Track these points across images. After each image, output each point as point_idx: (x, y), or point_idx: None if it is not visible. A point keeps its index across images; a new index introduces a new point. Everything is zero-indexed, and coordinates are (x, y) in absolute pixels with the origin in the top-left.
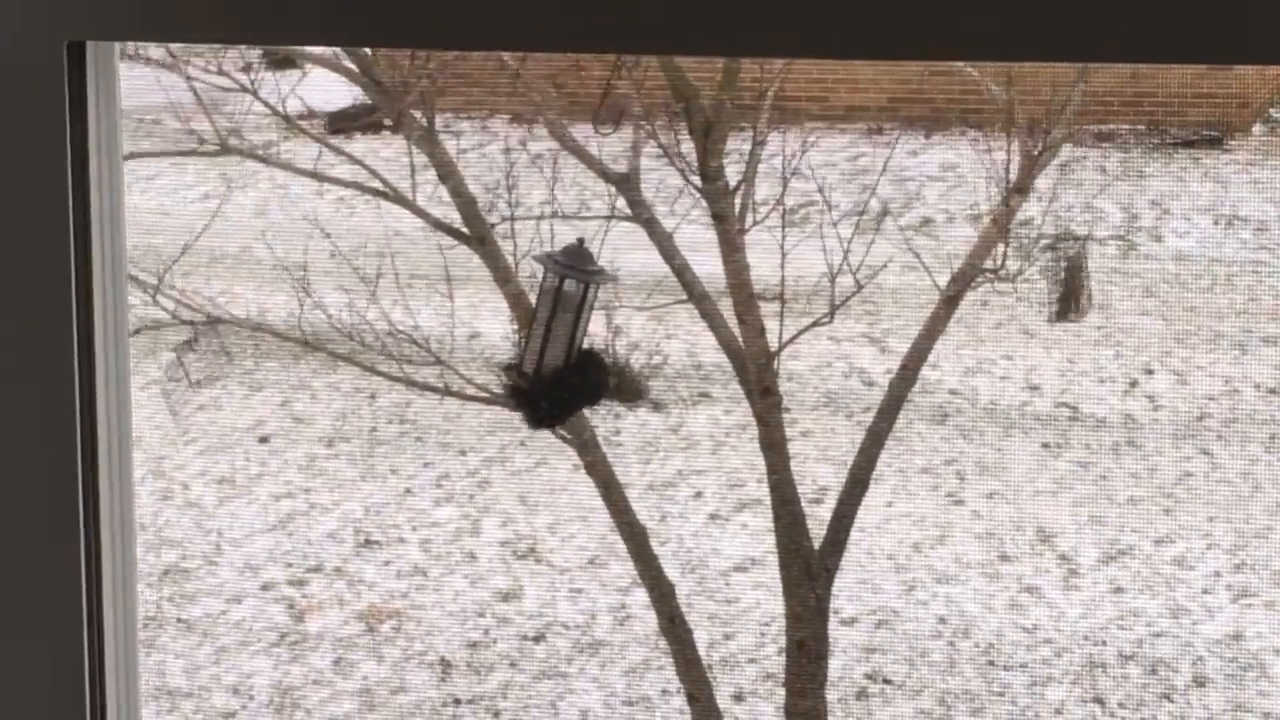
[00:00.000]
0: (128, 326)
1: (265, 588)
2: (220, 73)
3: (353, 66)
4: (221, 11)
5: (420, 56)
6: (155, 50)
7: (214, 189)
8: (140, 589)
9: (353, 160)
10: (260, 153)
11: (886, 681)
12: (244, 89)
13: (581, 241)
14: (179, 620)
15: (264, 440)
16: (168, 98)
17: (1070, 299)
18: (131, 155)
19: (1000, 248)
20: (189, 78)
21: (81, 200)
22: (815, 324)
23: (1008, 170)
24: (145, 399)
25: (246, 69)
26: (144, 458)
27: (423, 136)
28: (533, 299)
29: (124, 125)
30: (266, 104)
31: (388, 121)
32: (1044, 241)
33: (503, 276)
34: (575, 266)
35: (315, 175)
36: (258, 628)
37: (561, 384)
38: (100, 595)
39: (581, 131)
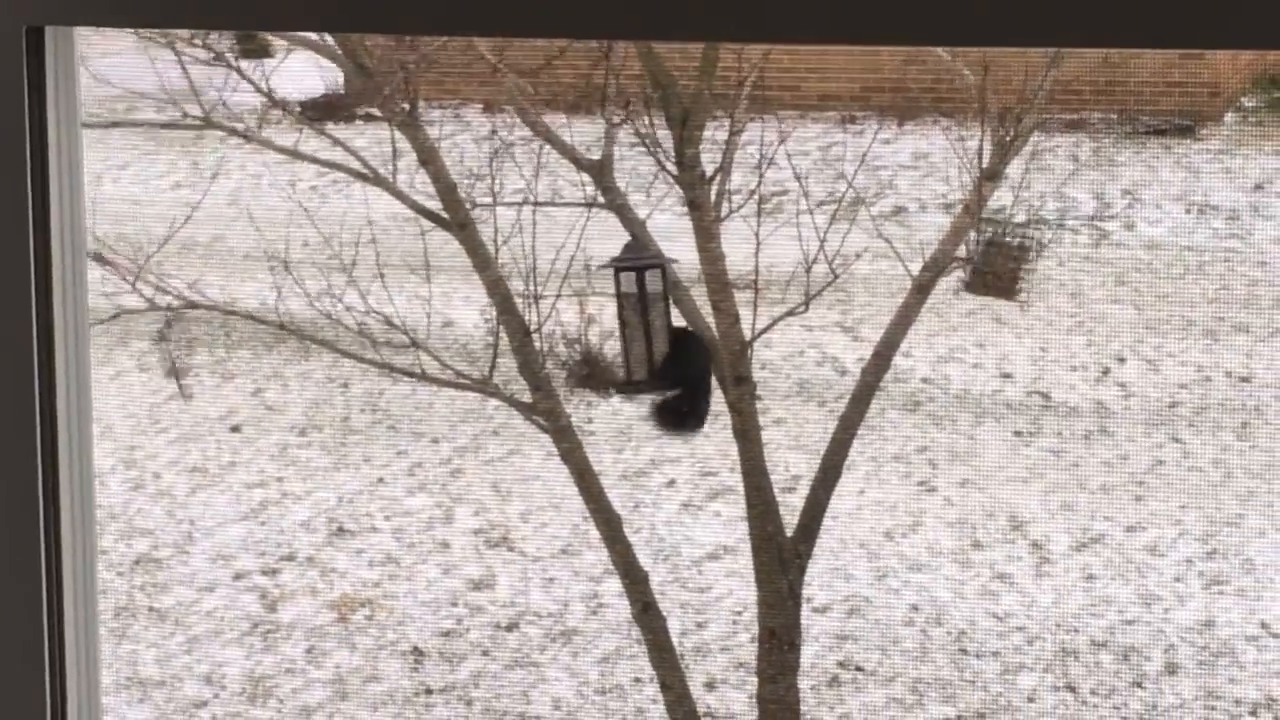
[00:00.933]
0: (88, 314)
1: (237, 577)
2: (206, 47)
3: (336, 49)
4: None
5: (402, 40)
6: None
7: (185, 178)
8: (111, 578)
9: (335, 142)
10: (242, 129)
11: (859, 669)
12: (229, 66)
13: (635, 236)
14: (150, 609)
15: (236, 429)
16: (154, 71)
17: (1007, 285)
18: (115, 124)
19: (972, 235)
20: (177, 52)
21: (41, 186)
22: (790, 313)
23: (980, 158)
24: (116, 389)
25: (218, 58)
26: (114, 447)
27: (405, 121)
28: (514, 285)
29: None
30: (250, 80)
31: (360, 110)
32: (1002, 230)
33: (481, 262)
34: (639, 259)
35: (297, 154)
36: (230, 617)
37: (672, 377)
38: (60, 585)
39: (555, 119)
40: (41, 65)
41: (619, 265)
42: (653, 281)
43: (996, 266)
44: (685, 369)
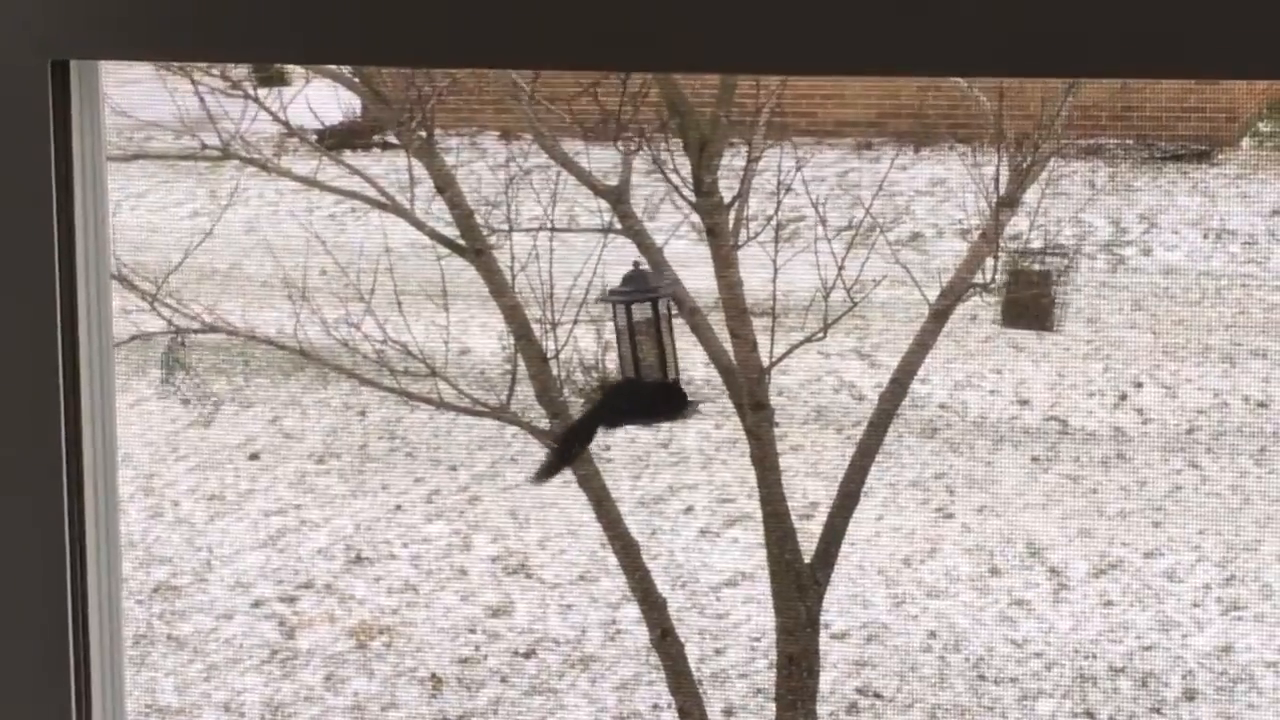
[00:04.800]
0: (112, 340)
1: (256, 604)
2: (223, 77)
3: (353, 78)
4: (207, 29)
5: (420, 70)
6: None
7: (203, 206)
8: (130, 606)
9: (352, 170)
10: (260, 158)
11: (877, 695)
12: (247, 96)
13: (637, 264)
14: (169, 637)
15: (254, 457)
16: (172, 103)
17: (1038, 313)
18: (135, 157)
19: (989, 261)
20: (195, 83)
21: (66, 216)
22: (808, 340)
23: (996, 184)
24: (135, 416)
25: (234, 86)
26: (133, 475)
27: (421, 148)
28: (532, 312)
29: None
30: (269, 110)
31: (377, 139)
32: (1029, 255)
33: (498, 289)
34: (635, 290)
35: (314, 183)
36: (248, 644)
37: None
38: (86, 612)
39: (571, 147)
40: (67, 98)
41: (614, 299)
42: (642, 311)
43: (1026, 297)
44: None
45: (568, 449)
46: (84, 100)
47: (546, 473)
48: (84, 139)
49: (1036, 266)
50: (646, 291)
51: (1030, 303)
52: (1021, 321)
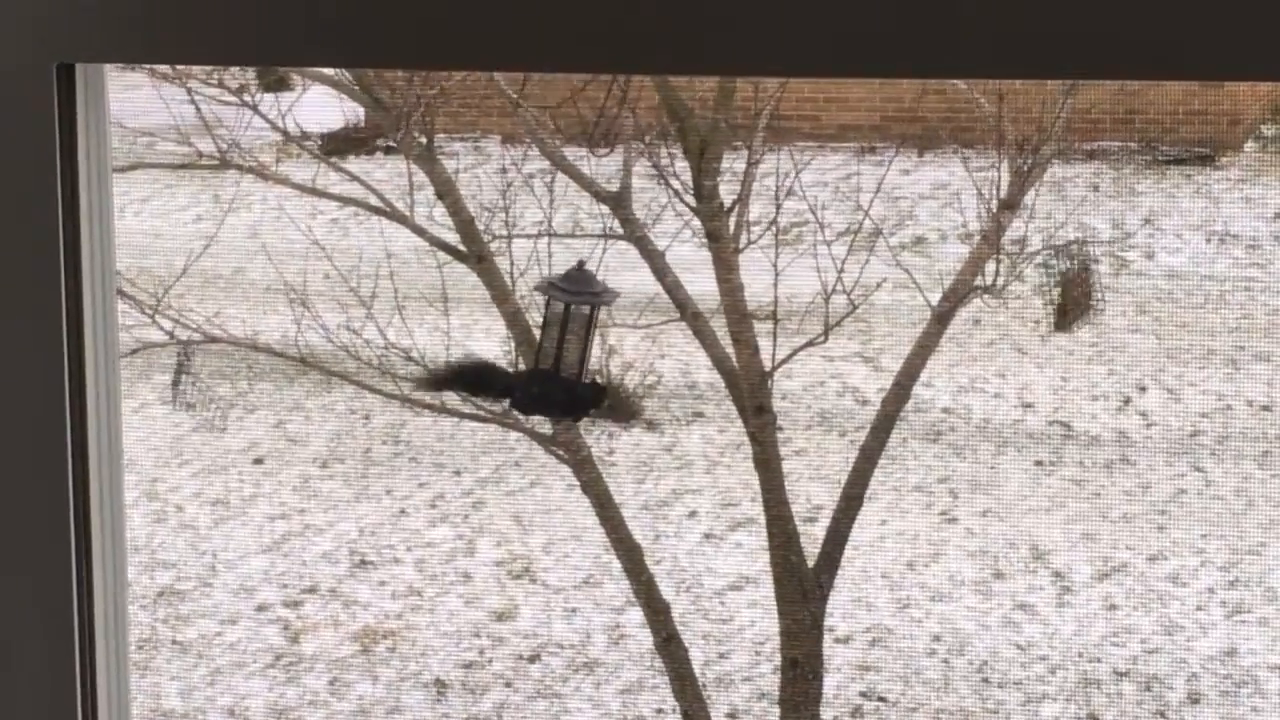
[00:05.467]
0: (118, 346)
1: (260, 609)
2: (221, 85)
3: (353, 84)
4: (213, 33)
5: (419, 75)
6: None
7: (207, 211)
8: (135, 611)
9: (352, 177)
10: (258, 167)
11: (881, 699)
12: (245, 104)
13: (581, 264)
14: (174, 642)
15: (258, 461)
16: (169, 111)
17: (1072, 307)
18: (135, 166)
19: (991, 264)
20: (190, 91)
21: (71, 221)
22: (810, 343)
23: (998, 187)
24: (139, 421)
25: (240, 90)
26: (137, 480)
27: (422, 155)
28: (533, 318)
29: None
30: (266, 119)
31: (380, 143)
32: (1040, 255)
33: (500, 295)
34: (580, 290)
35: (314, 191)
36: (253, 649)
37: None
38: (92, 618)
39: (574, 152)
40: (72, 102)
41: (550, 292)
42: (579, 311)
43: (1069, 296)
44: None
45: (452, 379)
46: (89, 104)
47: (425, 385)
48: (89, 143)
49: (1066, 264)
50: (591, 294)
51: (1078, 298)
52: (1071, 319)
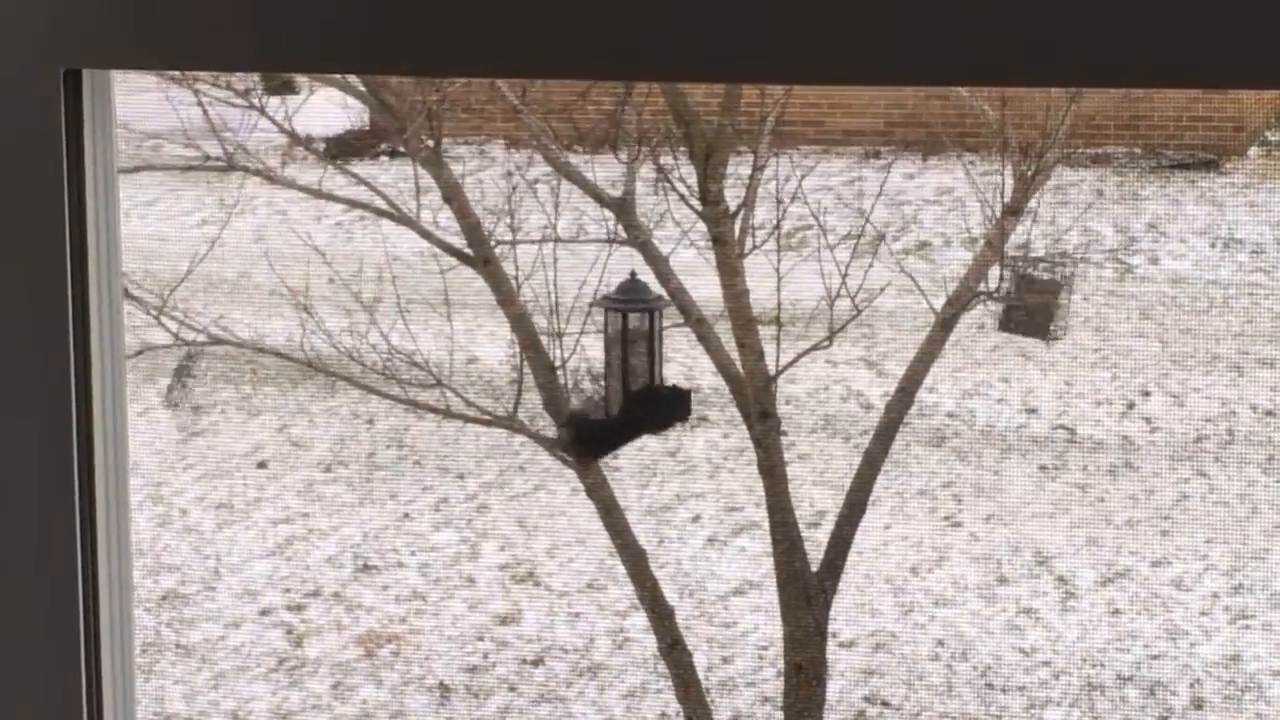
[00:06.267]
0: (124, 350)
1: (264, 613)
2: (228, 87)
3: (360, 87)
4: (219, 38)
5: (426, 80)
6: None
7: (212, 214)
8: (139, 614)
9: (358, 180)
10: (264, 170)
11: (885, 704)
12: (252, 106)
13: (634, 274)
14: (178, 645)
15: (262, 465)
16: (176, 115)
17: (1042, 321)
18: (139, 169)
19: (995, 270)
20: (198, 94)
21: (78, 224)
22: (815, 348)
23: (1002, 193)
24: (144, 424)
25: (244, 94)
26: (142, 483)
27: (428, 158)
28: (538, 322)
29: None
30: (274, 120)
31: (385, 147)
32: (1032, 265)
33: (506, 298)
34: (636, 300)
35: (320, 194)
36: (256, 652)
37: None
38: (98, 621)
39: (578, 157)
40: (79, 108)
41: (608, 305)
42: (638, 321)
43: (1029, 304)
44: (648, 420)
45: (592, 444)
46: (96, 110)
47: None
48: (96, 149)
49: (1045, 275)
50: (643, 302)
51: (1035, 310)
52: (1021, 329)
